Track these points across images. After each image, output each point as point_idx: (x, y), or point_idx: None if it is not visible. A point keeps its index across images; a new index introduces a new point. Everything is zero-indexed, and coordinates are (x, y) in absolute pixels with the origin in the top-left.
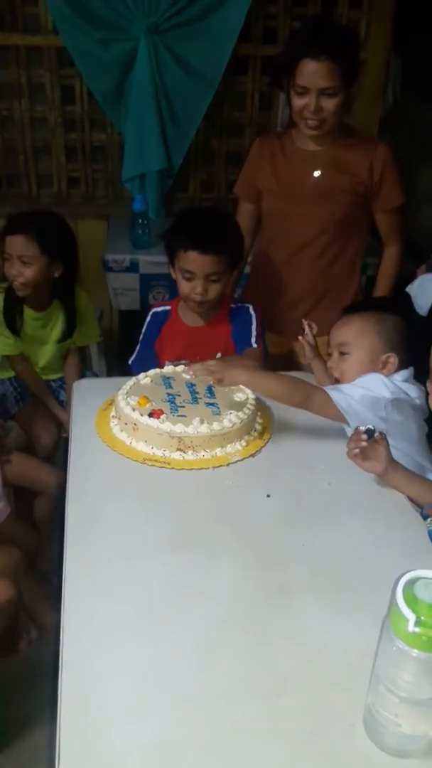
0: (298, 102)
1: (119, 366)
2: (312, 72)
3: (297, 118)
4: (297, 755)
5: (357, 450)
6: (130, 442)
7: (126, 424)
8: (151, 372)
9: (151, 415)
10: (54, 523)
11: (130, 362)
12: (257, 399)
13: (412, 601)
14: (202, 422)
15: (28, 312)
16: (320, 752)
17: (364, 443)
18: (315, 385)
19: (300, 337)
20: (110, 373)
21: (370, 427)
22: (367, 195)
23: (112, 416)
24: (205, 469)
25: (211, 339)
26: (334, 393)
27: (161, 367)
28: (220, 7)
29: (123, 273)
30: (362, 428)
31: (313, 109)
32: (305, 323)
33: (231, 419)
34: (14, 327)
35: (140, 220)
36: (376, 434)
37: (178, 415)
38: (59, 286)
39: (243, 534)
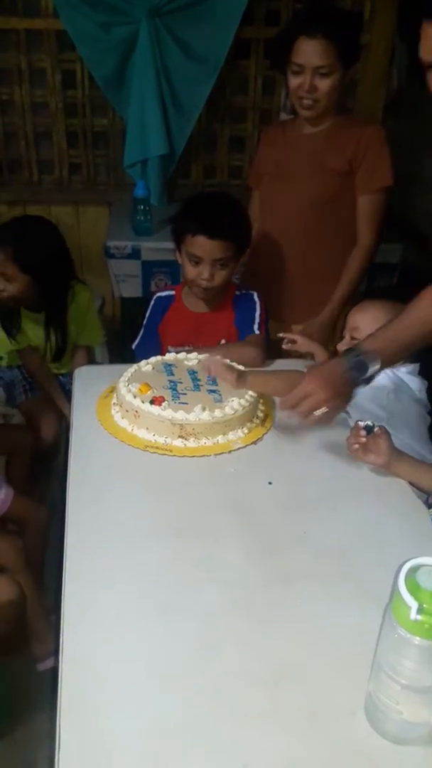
0: (293, 81)
1: (121, 353)
2: (307, 50)
3: (293, 98)
4: (298, 742)
5: (357, 446)
6: (132, 430)
7: (127, 411)
8: (153, 359)
9: (152, 402)
10: (32, 482)
11: (133, 346)
12: None
13: (414, 588)
14: (203, 409)
15: (24, 312)
16: (321, 739)
17: (363, 439)
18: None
19: (285, 346)
20: (112, 360)
21: (369, 423)
22: (354, 175)
23: (114, 403)
24: (207, 456)
25: (214, 325)
26: None
27: (164, 351)
28: None
29: (125, 260)
30: (361, 424)
31: (307, 87)
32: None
33: (233, 406)
34: (10, 330)
35: (142, 207)
36: (376, 429)
37: (179, 402)
38: (47, 300)
39: (244, 521)
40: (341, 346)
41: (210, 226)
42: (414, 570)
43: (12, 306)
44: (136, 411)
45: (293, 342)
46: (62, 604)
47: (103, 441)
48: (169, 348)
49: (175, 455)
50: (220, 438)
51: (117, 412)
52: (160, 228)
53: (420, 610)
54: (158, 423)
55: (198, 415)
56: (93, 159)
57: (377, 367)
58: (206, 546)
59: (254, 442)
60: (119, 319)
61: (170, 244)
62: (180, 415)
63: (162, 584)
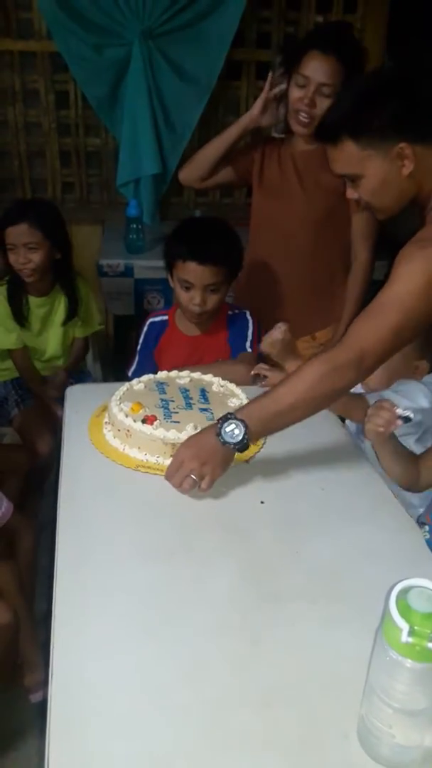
0: (296, 93)
1: (114, 371)
2: (317, 65)
3: (291, 111)
4: (290, 766)
5: (384, 429)
6: (123, 449)
7: (119, 430)
8: (145, 377)
9: (144, 421)
10: (26, 504)
11: (129, 373)
12: None
13: (405, 610)
14: (195, 428)
15: (32, 300)
16: (313, 763)
17: (399, 423)
18: (356, 395)
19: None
20: (105, 377)
21: (409, 414)
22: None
23: (105, 422)
24: None
25: (209, 347)
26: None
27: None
28: (214, 11)
29: (117, 278)
30: (401, 411)
31: (307, 101)
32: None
33: None
34: (21, 317)
35: (134, 225)
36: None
37: (171, 421)
38: (59, 269)
39: (236, 541)
40: None
41: (200, 252)
42: (405, 591)
43: (29, 282)
44: (128, 430)
45: (264, 376)
46: (52, 626)
47: (95, 460)
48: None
49: None
50: None
51: (109, 431)
52: (153, 246)
53: (411, 633)
54: (150, 442)
55: (190, 433)
56: (86, 178)
57: (246, 438)
58: (198, 566)
59: (246, 461)
60: (112, 337)
61: (162, 263)
62: (172, 434)
63: (152, 605)
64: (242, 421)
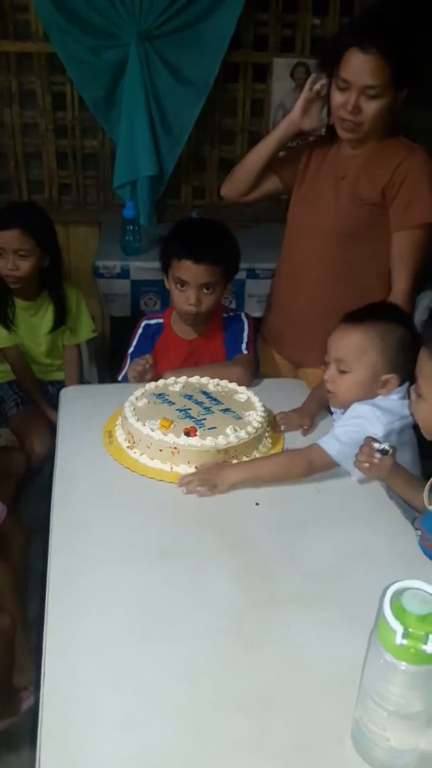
0: (337, 98)
1: (110, 372)
2: (358, 65)
3: (334, 116)
4: None
5: (367, 464)
6: (171, 468)
7: (160, 450)
8: (138, 392)
9: (187, 434)
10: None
11: (119, 378)
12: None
13: (399, 612)
14: (235, 429)
15: (18, 303)
16: (308, 766)
17: (376, 459)
18: (306, 447)
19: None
20: (101, 379)
21: (385, 447)
22: (387, 208)
23: (128, 447)
24: None
25: (205, 350)
26: (330, 444)
27: (157, 378)
28: (211, 14)
29: (114, 279)
30: (377, 446)
31: (350, 108)
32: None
33: (257, 419)
34: (5, 318)
35: (130, 227)
36: (390, 452)
37: (208, 429)
38: (47, 276)
39: (231, 543)
40: (326, 376)
41: (196, 251)
42: (399, 593)
43: (13, 289)
44: (175, 448)
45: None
46: (44, 630)
47: (89, 462)
48: (163, 373)
49: None
50: (255, 453)
51: (142, 454)
52: (149, 248)
53: (406, 635)
54: (202, 454)
55: (237, 435)
56: (83, 180)
57: None
58: (193, 569)
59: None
60: (108, 338)
61: (159, 264)
62: (222, 440)
63: (147, 608)
64: None
